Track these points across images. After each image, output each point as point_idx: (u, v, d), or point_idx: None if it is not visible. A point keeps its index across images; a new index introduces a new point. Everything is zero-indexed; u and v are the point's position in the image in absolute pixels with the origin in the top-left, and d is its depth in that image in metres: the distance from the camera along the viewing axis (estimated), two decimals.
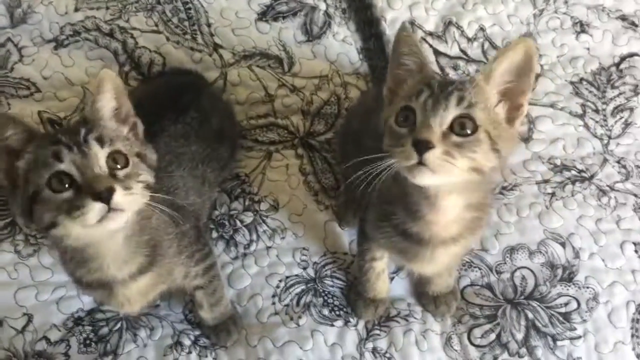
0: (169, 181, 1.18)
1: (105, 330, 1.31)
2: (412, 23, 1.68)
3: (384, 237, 1.11)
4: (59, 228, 0.89)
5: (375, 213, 1.12)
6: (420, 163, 0.85)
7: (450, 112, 0.87)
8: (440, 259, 1.09)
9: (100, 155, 0.89)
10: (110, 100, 0.97)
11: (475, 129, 0.87)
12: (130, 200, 0.89)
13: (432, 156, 0.84)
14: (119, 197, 0.86)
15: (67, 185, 0.87)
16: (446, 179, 0.88)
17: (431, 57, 1.63)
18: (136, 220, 0.98)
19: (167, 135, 1.25)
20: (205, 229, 1.31)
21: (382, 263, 1.27)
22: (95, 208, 0.86)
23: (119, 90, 0.97)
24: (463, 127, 0.87)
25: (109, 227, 0.89)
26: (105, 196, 0.85)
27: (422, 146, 0.84)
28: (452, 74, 1.62)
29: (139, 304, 1.13)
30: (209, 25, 1.65)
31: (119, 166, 0.91)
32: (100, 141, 0.90)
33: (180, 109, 1.29)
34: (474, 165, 0.87)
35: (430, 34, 1.68)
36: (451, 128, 0.87)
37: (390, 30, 1.63)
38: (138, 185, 0.91)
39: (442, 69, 1.63)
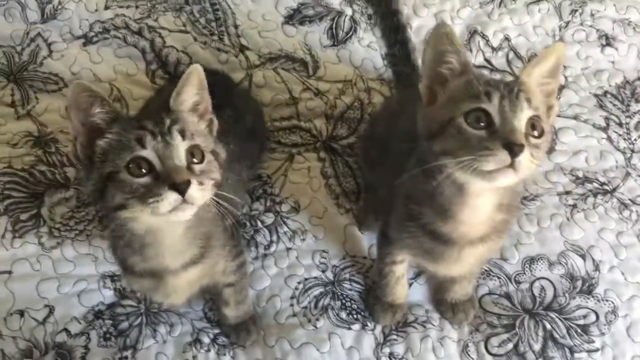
0: None
1: (125, 324, 1.32)
2: None
3: (410, 237, 1.11)
4: (127, 211, 0.91)
5: (401, 213, 1.12)
6: (510, 165, 0.86)
7: (525, 114, 0.89)
8: (467, 260, 1.09)
9: (181, 148, 0.91)
10: (193, 94, 0.98)
11: (542, 130, 0.90)
12: (203, 195, 0.91)
13: (525, 159, 0.86)
14: (194, 190, 0.88)
15: (144, 171, 0.89)
16: (521, 178, 0.89)
17: None
18: (197, 212, 0.99)
19: None
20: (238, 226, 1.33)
21: (401, 267, 1.27)
22: (171, 198, 0.87)
23: (202, 85, 0.98)
24: (534, 128, 0.89)
25: (178, 218, 0.91)
26: (182, 188, 0.87)
27: (517, 149, 0.85)
28: None
29: (185, 295, 1.15)
30: (236, 27, 1.67)
31: (195, 160, 0.92)
32: (183, 133, 0.92)
33: (217, 106, 1.30)
34: (538, 164, 0.89)
35: None
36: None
37: (415, 38, 1.65)
38: (210, 182, 0.92)
39: None
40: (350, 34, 1.69)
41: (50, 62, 1.63)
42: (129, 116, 0.97)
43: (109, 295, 1.35)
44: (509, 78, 1.41)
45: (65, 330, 1.30)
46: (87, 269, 1.37)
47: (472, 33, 1.69)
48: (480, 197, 0.97)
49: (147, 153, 0.89)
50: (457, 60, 0.95)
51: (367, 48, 1.67)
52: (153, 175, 0.89)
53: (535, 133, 0.89)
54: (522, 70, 0.96)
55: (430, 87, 0.97)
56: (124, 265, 1.10)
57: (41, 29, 1.66)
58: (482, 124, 0.89)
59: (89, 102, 0.91)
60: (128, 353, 1.28)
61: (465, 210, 0.99)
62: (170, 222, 0.96)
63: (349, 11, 1.71)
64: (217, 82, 1.43)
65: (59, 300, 1.33)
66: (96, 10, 1.68)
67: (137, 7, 1.68)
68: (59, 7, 1.68)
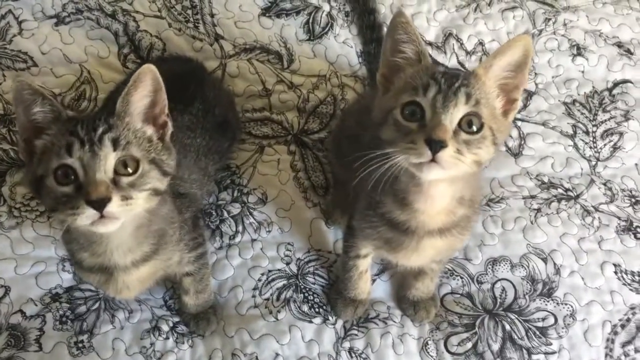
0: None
1: (82, 308, 1.30)
2: None
3: (371, 227, 1.11)
4: (58, 214, 0.89)
5: (363, 203, 1.13)
6: (432, 160, 0.86)
7: (460, 110, 0.88)
8: (425, 251, 1.10)
9: (109, 158, 0.88)
10: (144, 96, 0.94)
11: (481, 126, 0.89)
12: (127, 209, 0.88)
13: (445, 155, 0.86)
14: (114, 207, 0.86)
15: (70, 180, 0.87)
16: (452, 173, 0.90)
17: None
18: (146, 213, 0.98)
19: (175, 126, 1.24)
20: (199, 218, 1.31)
21: (365, 262, 1.27)
22: (88, 212, 0.85)
23: (157, 86, 0.94)
24: (470, 124, 0.89)
25: (99, 231, 0.90)
26: (99, 205, 0.85)
27: (437, 145, 0.85)
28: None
29: (137, 290, 1.13)
30: (212, 15, 1.65)
31: (129, 171, 0.89)
32: (115, 143, 0.88)
33: (187, 99, 1.29)
34: (477, 159, 0.89)
35: (430, 44, 1.69)
36: (459, 125, 0.89)
37: None
38: (142, 193, 0.90)
39: None
40: (326, 30, 1.69)
41: (20, 40, 1.59)
42: (70, 117, 0.92)
43: (67, 279, 1.33)
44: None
45: (21, 311, 1.28)
46: (46, 251, 1.35)
47: (447, 36, 1.70)
48: (433, 187, 0.97)
49: (72, 162, 0.87)
50: (412, 50, 0.96)
51: (343, 44, 1.67)
52: (75, 186, 0.87)
53: (474, 128, 0.89)
54: (480, 63, 0.96)
55: (386, 76, 0.98)
56: (73, 259, 1.09)
57: (12, 6, 1.63)
58: (414, 117, 0.90)
59: (31, 100, 0.89)
60: (84, 337, 1.26)
61: (420, 199, 1.00)
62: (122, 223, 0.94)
63: (326, 7, 1.71)
64: (189, 73, 1.43)
65: (16, 281, 1.31)
66: None
67: None
68: None
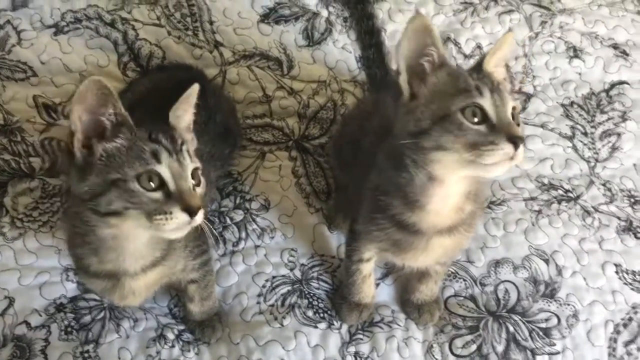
0: None
1: (87, 318, 1.29)
2: None
3: (378, 230, 1.11)
4: (120, 218, 0.90)
5: (369, 207, 1.13)
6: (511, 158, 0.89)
7: (510, 105, 0.92)
8: (434, 250, 1.10)
9: (189, 168, 0.92)
10: (188, 112, 0.98)
11: (519, 119, 0.93)
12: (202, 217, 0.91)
13: (522, 149, 0.89)
14: (201, 215, 0.90)
15: (154, 186, 0.89)
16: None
17: None
18: None
19: None
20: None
21: (368, 266, 1.27)
22: (182, 219, 0.88)
23: (195, 103, 0.99)
24: (514, 117, 0.92)
25: (173, 236, 0.92)
26: (194, 212, 0.88)
27: (519, 141, 0.88)
28: None
29: (142, 296, 1.13)
30: (211, 23, 1.66)
31: (200, 180, 0.94)
32: (190, 154, 0.93)
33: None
34: None
35: None
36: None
37: (389, 42, 1.67)
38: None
39: None
40: (325, 36, 1.70)
41: (19, 50, 1.59)
42: (143, 127, 0.94)
43: (71, 288, 1.32)
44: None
45: (25, 322, 1.27)
46: (49, 261, 1.34)
47: (445, 40, 1.72)
48: (451, 186, 0.99)
49: (162, 169, 0.89)
50: (436, 53, 0.96)
51: (342, 50, 1.69)
52: (165, 192, 0.89)
53: (518, 120, 0.92)
54: (485, 63, 0.97)
55: (410, 82, 0.97)
56: (78, 264, 1.08)
57: (11, 16, 1.63)
58: (477, 119, 0.91)
59: (102, 100, 0.89)
60: (90, 347, 1.26)
61: (434, 199, 1.01)
62: (141, 231, 0.96)
63: (324, 13, 1.72)
64: (191, 79, 1.43)
65: (20, 292, 1.30)
66: (68, 0, 1.65)
67: None
68: None
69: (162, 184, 0.89)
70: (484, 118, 0.91)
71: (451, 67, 0.96)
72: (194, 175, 0.93)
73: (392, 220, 1.08)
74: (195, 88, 0.97)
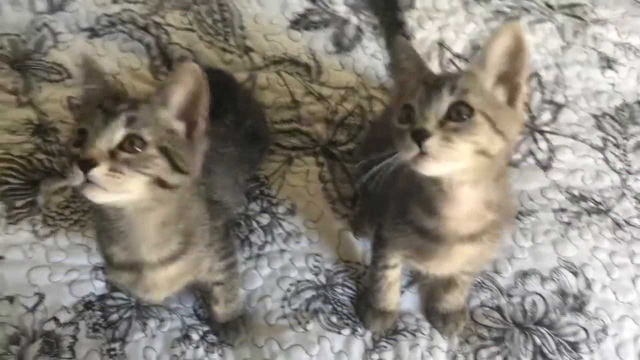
0: (209, 177, 1.18)
1: (115, 316, 1.31)
2: (440, 44, 1.71)
3: (401, 236, 1.11)
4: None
5: (393, 212, 1.13)
6: (423, 153, 0.87)
7: (444, 101, 0.89)
8: (457, 258, 1.09)
9: (117, 132, 0.88)
10: (180, 94, 0.95)
11: (471, 113, 0.89)
12: (114, 182, 0.87)
13: (431, 143, 0.86)
14: (98, 173, 0.85)
15: (80, 140, 0.89)
16: (452, 165, 0.89)
17: None
18: (174, 208, 0.99)
19: (210, 133, 1.25)
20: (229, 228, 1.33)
21: (394, 273, 1.27)
22: (75, 173, 0.86)
23: (198, 87, 0.95)
24: (459, 113, 0.89)
25: (88, 197, 0.89)
26: (84, 166, 0.85)
27: (420, 135, 0.87)
28: None
29: (165, 291, 1.13)
30: (242, 28, 1.68)
31: (137, 149, 0.89)
32: (130, 121, 0.89)
33: (220, 110, 1.31)
34: (478, 148, 0.89)
35: (458, 56, 1.70)
36: (449, 116, 0.89)
37: (419, 49, 1.66)
38: (137, 175, 0.89)
39: None
40: (354, 42, 1.70)
41: (55, 52, 1.63)
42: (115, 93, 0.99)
43: (100, 287, 1.34)
44: None
45: (54, 319, 1.29)
46: (79, 259, 1.37)
47: (476, 48, 1.71)
48: (456, 190, 0.97)
49: (87, 126, 0.89)
50: (412, 65, 0.99)
51: (371, 57, 1.69)
52: (82, 149, 0.88)
53: (463, 117, 0.88)
54: (475, 57, 0.98)
55: (400, 94, 1.00)
56: (104, 255, 1.09)
57: (48, 19, 1.66)
58: (408, 119, 0.92)
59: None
60: (116, 345, 1.27)
61: (447, 204, 1.00)
62: (137, 211, 0.95)
63: (354, 20, 1.72)
64: (222, 83, 1.45)
65: (50, 288, 1.32)
66: (104, 4, 1.68)
67: (144, 3, 1.69)
68: None
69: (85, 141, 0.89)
70: (413, 117, 0.91)
71: (421, 74, 0.97)
72: (133, 142, 0.89)
73: (414, 226, 1.08)
74: (185, 67, 0.93)
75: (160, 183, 0.92)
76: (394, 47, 1.02)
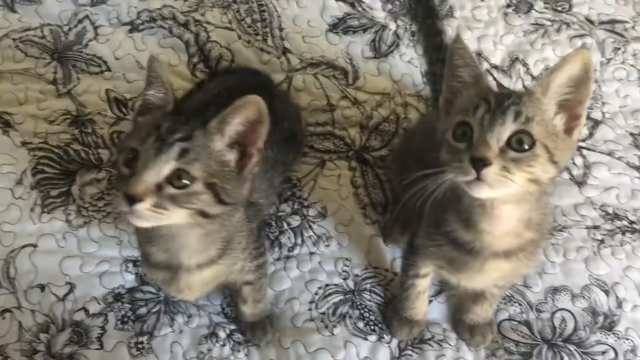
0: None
1: (143, 310, 1.32)
2: (479, 54, 1.70)
3: (434, 246, 1.11)
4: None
5: (428, 221, 1.12)
6: (478, 178, 0.86)
7: (508, 128, 0.87)
8: (490, 273, 1.08)
9: (166, 165, 0.88)
10: (239, 124, 0.94)
11: (532, 144, 0.88)
12: (157, 216, 0.88)
13: (490, 172, 0.85)
14: (141, 207, 0.86)
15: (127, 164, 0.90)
16: (504, 192, 0.89)
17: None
18: (215, 222, 1.00)
19: None
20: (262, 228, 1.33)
21: (424, 282, 1.26)
22: (120, 201, 0.87)
23: (259, 119, 0.94)
24: (520, 142, 0.88)
25: (133, 223, 0.91)
26: (130, 200, 0.86)
27: (480, 163, 0.85)
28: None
29: (198, 292, 1.15)
30: (280, 29, 1.68)
31: (183, 182, 0.89)
32: (182, 154, 0.89)
33: None
34: (532, 178, 0.88)
35: (496, 67, 1.69)
36: (508, 143, 0.88)
37: None
38: (180, 210, 0.90)
39: None
40: (392, 48, 1.70)
41: (95, 44, 1.65)
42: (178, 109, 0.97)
43: (130, 280, 1.36)
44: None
45: (84, 309, 1.30)
46: (111, 251, 1.38)
47: (514, 60, 1.70)
48: (497, 207, 0.96)
49: (139, 146, 0.89)
50: (468, 74, 0.97)
51: (408, 64, 1.68)
52: (130, 174, 0.89)
53: (524, 146, 0.87)
54: (537, 81, 0.96)
55: (448, 101, 0.99)
56: (142, 252, 1.11)
57: (90, 11, 1.68)
58: (464, 137, 0.90)
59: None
60: (144, 338, 1.28)
61: (485, 219, 0.99)
62: (178, 227, 0.96)
63: (392, 26, 1.72)
64: (259, 85, 1.46)
65: (81, 279, 1.34)
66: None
67: (185, 0, 1.70)
68: None
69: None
70: (471, 137, 0.89)
71: (479, 87, 0.96)
72: (180, 176, 0.89)
73: (448, 237, 1.07)
74: (250, 99, 0.92)
75: (202, 214, 0.93)
76: (450, 50, 0.98)
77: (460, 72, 0.97)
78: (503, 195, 0.91)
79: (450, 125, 0.93)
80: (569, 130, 0.93)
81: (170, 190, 0.89)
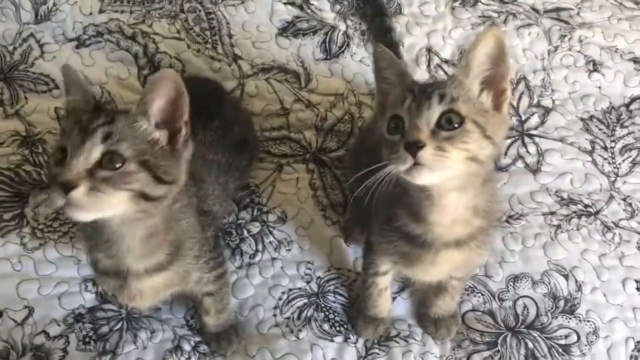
0: (201, 188, 1.18)
1: (105, 329, 1.30)
2: (429, 50, 1.72)
3: (387, 242, 1.12)
4: None
5: (380, 218, 1.13)
6: (417, 163, 0.87)
7: (435, 110, 0.90)
8: (443, 264, 1.09)
9: (93, 149, 0.87)
10: (159, 102, 0.93)
11: (461, 121, 0.90)
12: (95, 201, 0.86)
13: (425, 154, 0.87)
14: (78, 194, 0.84)
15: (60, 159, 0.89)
16: (446, 174, 0.90)
17: None
18: (161, 219, 0.99)
19: (198, 141, 1.22)
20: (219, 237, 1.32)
21: (385, 279, 1.27)
22: (55, 195, 0.85)
23: (178, 92, 0.93)
24: (450, 121, 0.89)
25: (71, 217, 0.89)
26: (64, 189, 0.84)
27: (414, 147, 0.87)
28: None
29: (150, 300, 1.12)
30: (230, 36, 1.68)
31: (116, 165, 0.87)
32: (107, 137, 0.88)
33: (207, 117, 1.30)
34: (470, 155, 0.89)
35: (446, 61, 1.71)
36: (439, 125, 0.89)
37: (407, 55, 1.67)
38: (118, 192, 0.88)
39: None
40: (343, 49, 1.70)
41: (41, 62, 1.62)
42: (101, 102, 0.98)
43: (90, 299, 1.33)
44: None
45: (44, 332, 1.28)
46: (69, 272, 1.36)
47: (463, 53, 1.71)
48: (444, 196, 0.97)
49: (66, 142, 0.88)
50: (393, 74, 1.00)
51: (360, 63, 1.69)
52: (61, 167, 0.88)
53: (454, 125, 0.89)
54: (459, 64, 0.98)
55: (381, 103, 1.02)
56: (91, 259, 1.09)
57: (34, 29, 1.66)
58: (397, 129, 0.92)
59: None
60: (107, 358, 1.26)
61: (433, 210, 1.00)
62: (123, 222, 0.94)
63: (342, 26, 1.73)
64: (209, 93, 1.45)
65: (39, 301, 1.31)
66: (90, 14, 1.68)
67: (131, 12, 1.69)
68: (54, 8, 1.68)
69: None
70: (403, 128, 0.91)
71: (405, 83, 0.98)
72: (112, 159, 0.87)
73: (400, 232, 1.08)
74: (163, 73, 0.91)
75: (144, 196, 0.91)
76: (373, 56, 1.02)
77: (386, 74, 1.00)
78: (446, 180, 0.92)
79: (384, 123, 0.95)
80: (497, 106, 0.95)
81: (104, 173, 0.87)
